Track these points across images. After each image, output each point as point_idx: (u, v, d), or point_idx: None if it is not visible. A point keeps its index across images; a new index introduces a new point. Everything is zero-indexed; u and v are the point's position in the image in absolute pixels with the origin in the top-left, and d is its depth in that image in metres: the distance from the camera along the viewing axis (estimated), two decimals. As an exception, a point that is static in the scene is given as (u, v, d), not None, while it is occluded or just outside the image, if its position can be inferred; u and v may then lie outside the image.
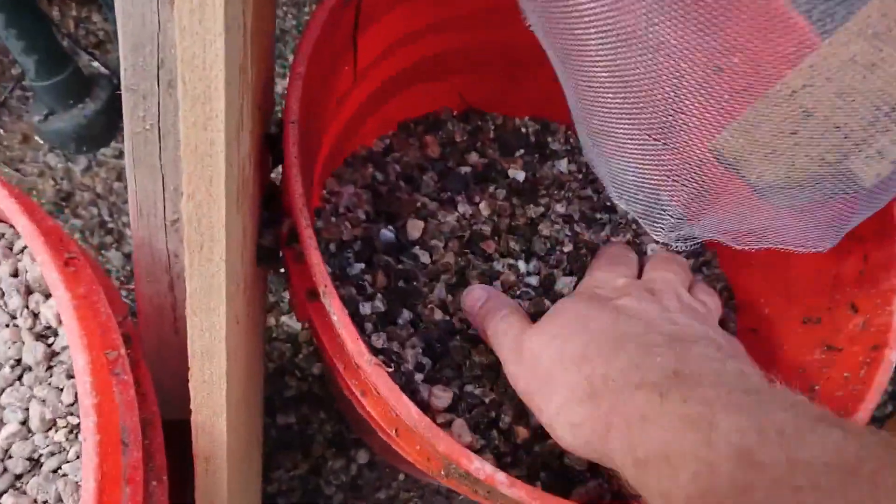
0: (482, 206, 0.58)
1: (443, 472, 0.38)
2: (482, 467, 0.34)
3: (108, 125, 0.81)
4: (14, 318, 0.43)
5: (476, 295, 0.47)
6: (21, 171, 0.80)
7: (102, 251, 0.76)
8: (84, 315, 0.37)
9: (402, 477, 0.72)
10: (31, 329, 0.42)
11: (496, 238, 0.56)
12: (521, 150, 0.65)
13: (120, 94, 0.36)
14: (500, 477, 0.34)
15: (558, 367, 0.39)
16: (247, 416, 0.44)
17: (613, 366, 0.37)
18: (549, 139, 0.66)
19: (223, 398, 0.34)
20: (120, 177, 0.79)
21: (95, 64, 0.83)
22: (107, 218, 0.77)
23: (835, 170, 0.36)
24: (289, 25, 0.89)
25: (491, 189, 0.59)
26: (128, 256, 0.75)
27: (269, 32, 0.39)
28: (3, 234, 0.44)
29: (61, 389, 0.41)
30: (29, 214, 0.38)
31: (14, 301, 0.42)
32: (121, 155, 0.81)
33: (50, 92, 0.77)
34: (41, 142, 0.81)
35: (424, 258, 0.51)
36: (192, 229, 0.30)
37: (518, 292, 0.53)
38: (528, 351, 0.41)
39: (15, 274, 0.43)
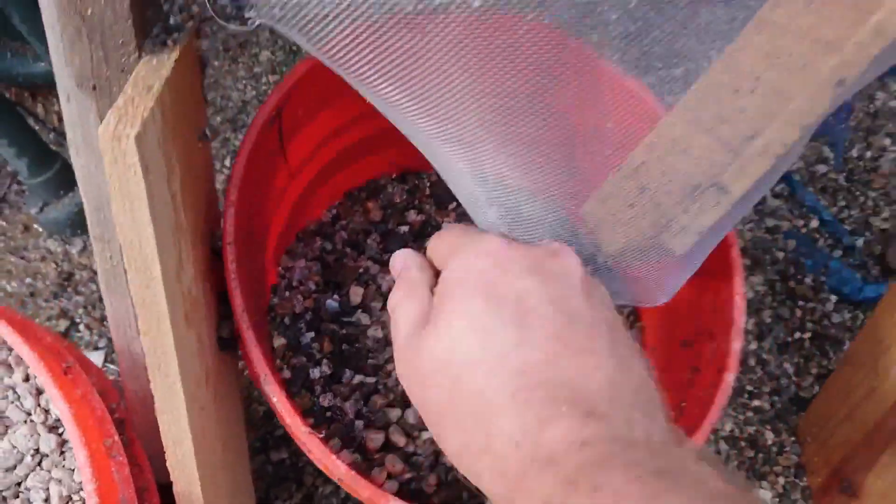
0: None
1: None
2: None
3: (97, 208, 0.91)
4: (30, 415, 0.53)
5: (393, 264, 0.43)
6: (25, 257, 0.90)
7: (104, 322, 0.86)
8: (82, 415, 0.47)
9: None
10: (44, 423, 0.52)
11: (430, 291, 0.65)
12: (454, 203, 0.74)
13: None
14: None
15: (452, 404, 0.36)
16: (227, 475, 0.54)
17: (514, 424, 0.34)
18: (477, 191, 0.75)
19: (195, 472, 0.45)
20: (113, 251, 0.89)
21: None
22: (105, 292, 0.88)
23: (655, 241, 0.45)
24: (249, 96, 0.99)
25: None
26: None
27: (207, 178, 0.48)
28: (13, 349, 0.55)
29: (73, 470, 0.51)
30: (31, 340, 0.48)
31: (28, 402, 0.53)
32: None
33: (42, 186, 0.88)
34: (40, 230, 0.91)
35: (365, 320, 0.61)
36: (150, 355, 0.40)
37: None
38: (422, 359, 0.37)
39: (26, 379, 0.54)
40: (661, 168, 0.48)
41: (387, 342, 0.59)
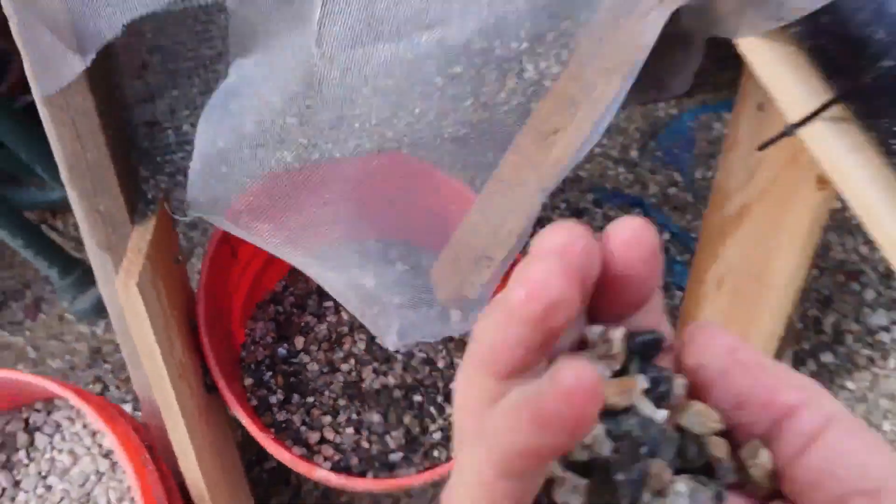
0: (343, 314, 0.96)
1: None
2: (325, 475, 0.72)
3: (112, 295, 1.20)
4: (89, 448, 0.81)
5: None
6: (63, 340, 1.19)
7: (128, 382, 1.15)
8: (126, 444, 0.75)
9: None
10: (99, 453, 0.81)
11: (351, 334, 0.94)
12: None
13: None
14: (332, 477, 0.72)
15: None
16: (225, 478, 0.82)
17: None
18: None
19: (199, 475, 0.73)
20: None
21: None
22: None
23: (459, 289, 0.73)
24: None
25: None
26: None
27: (184, 285, 0.77)
28: (80, 410, 0.83)
29: (121, 481, 0.79)
30: (88, 400, 0.77)
31: (87, 440, 0.81)
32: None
33: (70, 285, 1.16)
34: (72, 318, 1.20)
35: (306, 359, 0.89)
36: (160, 402, 0.68)
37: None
38: None
39: (84, 426, 0.82)
40: (465, 241, 0.76)
41: (321, 372, 0.87)
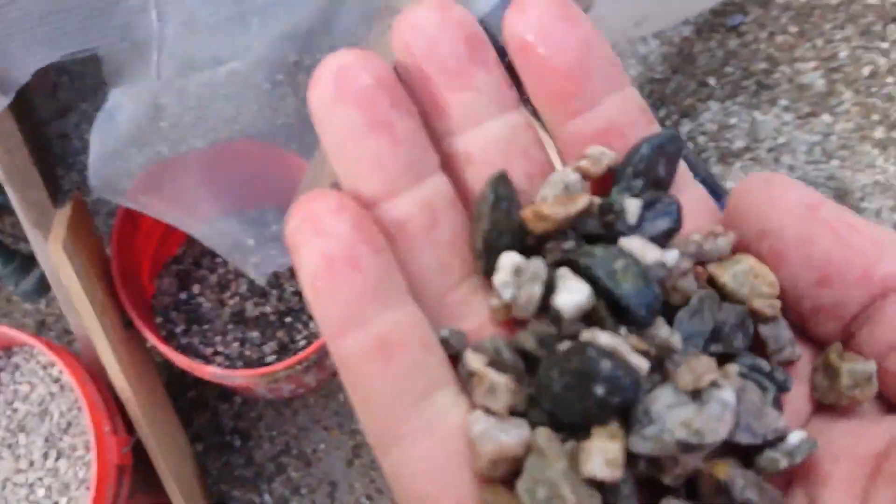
0: (230, 268, 1.27)
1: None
2: (213, 370, 1.04)
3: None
4: (42, 378, 1.12)
5: None
6: (13, 318, 1.48)
7: (70, 345, 1.45)
8: (71, 369, 1.06)
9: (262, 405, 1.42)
10: (51, 380, 1.12)
11: (236, 280, 1.25)
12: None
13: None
14: (217, 370, 1.04)
15: None
16: (151, 398, 1.14)
17: None
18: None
19: (126, 385, 1.04)
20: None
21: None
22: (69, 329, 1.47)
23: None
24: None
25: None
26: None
27: (100, 248, 1.08)
28: (33, 350, 1.14)
29: (69, 397, 1.10)
30: (44, 343, 1.07)
31: (40, 372, 1.12)
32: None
33: (13, 272, 1.45)
34: (17, 299, 1.49)
35: (202, 300, 1.20)
36: (94, 337, 1.00)
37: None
38: None
39: (38, 363, 1.13)
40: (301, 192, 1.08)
41: (213, 308, 1.19)
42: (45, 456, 1.05)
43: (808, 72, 1.62)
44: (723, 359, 0.21)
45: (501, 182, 0.23)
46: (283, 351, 1.14)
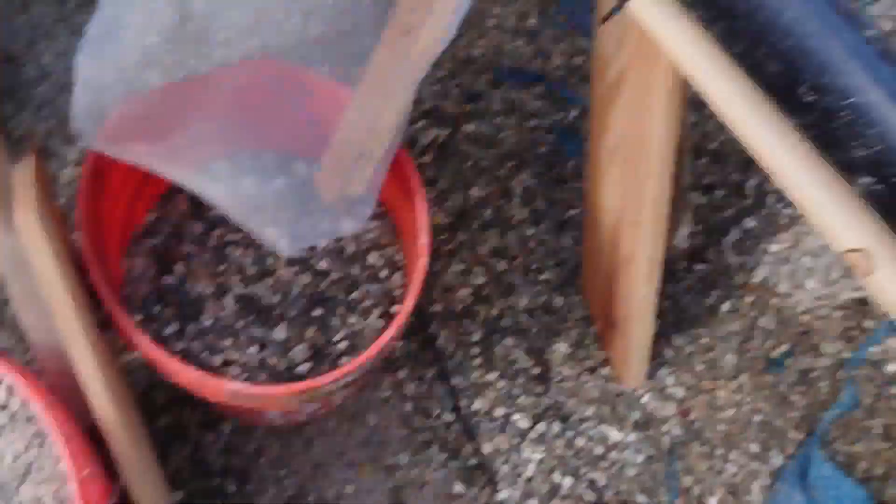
0: (227, 234, 1.15)
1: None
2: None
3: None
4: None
5: None
6: None
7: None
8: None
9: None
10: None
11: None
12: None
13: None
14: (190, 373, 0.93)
15: None
16: (130, 420, 1.02)
17: None
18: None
19: (108, 402, 0.92)
20: None
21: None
22: None
23: (348, 186, 0.94)
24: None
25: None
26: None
27: (63, 226, 0.95)
28: None
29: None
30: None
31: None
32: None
33: None
34: None
35: (193, 288, 1.09)
36: (68, 340, 0.88)
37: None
38: None
39: None
40: (345, 140, 0.96)
41: (212, 295, 1.08)
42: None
43: None
44: None
45: None
46: (319, 356, 1.03)
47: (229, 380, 0.89)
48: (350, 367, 0.88)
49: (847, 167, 0.73)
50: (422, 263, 0.96)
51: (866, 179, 0.72)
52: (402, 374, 1.35)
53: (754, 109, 0.75)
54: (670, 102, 0.92)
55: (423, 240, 0.97)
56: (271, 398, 0.91)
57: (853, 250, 0.75)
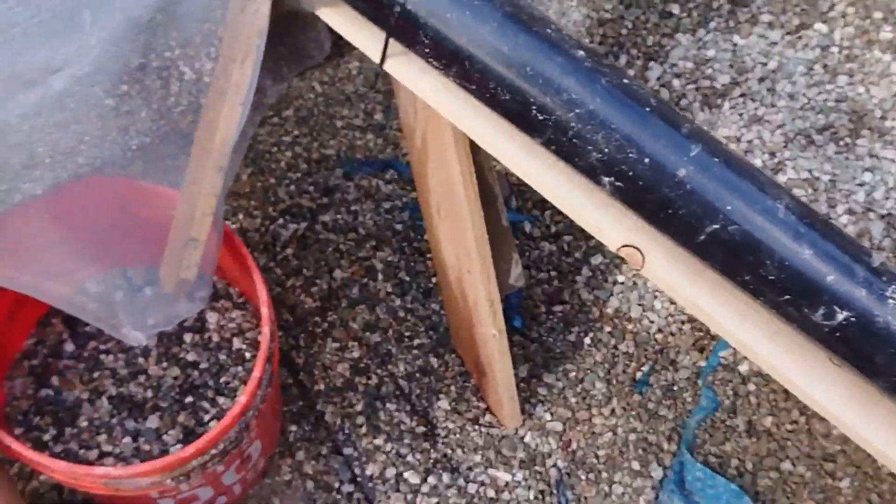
0: (101, 344, 1.26)
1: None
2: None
3: None
4: None
5: None
6: None
7: None
8: None
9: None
10: None
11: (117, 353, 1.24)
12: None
13: None
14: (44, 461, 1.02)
15: None
16: None
17: None
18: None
19: None
20: None
21: None
22: None
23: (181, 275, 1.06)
24: None
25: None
26: None
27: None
28: None
29: None
30: None
31: None
32: None
33: None
34: None
35: (69, 396, 1.19)
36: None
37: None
38: None
39: None
40: (176, 231, 1.09)
41: (87, 400, 1.18)
42: None
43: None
44: None
45: None
46: (191, 437, 1.13)
47: (97, 466, 0.99)
48: (210, 436, 0.99)
49: (591, 171, 0.84)
50: (265, 332, 1.07)
51: (609, 179, 0.83)
52: (300, 455, 1.45)
53: (500, 133, 0.88)
54: (459, 149, 1.05)
55: (264, 311, 1.08)
56: (144, 476, 1.00)
57: (625, 246, 0.86)
